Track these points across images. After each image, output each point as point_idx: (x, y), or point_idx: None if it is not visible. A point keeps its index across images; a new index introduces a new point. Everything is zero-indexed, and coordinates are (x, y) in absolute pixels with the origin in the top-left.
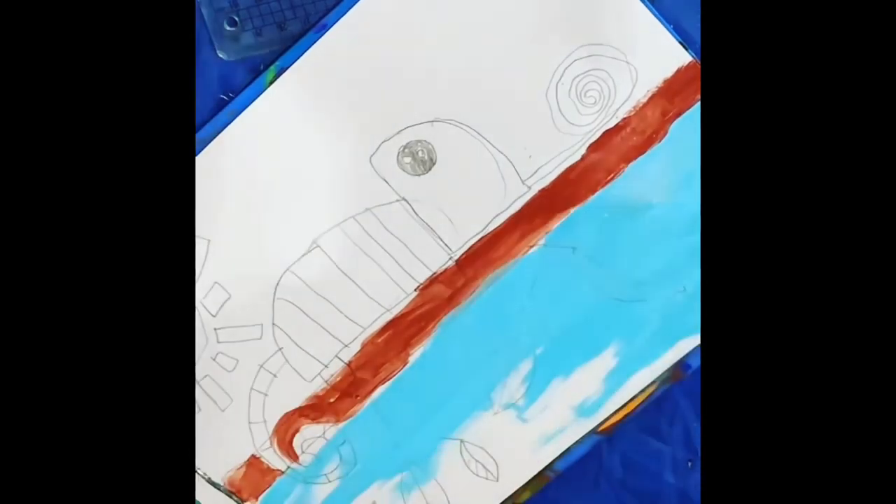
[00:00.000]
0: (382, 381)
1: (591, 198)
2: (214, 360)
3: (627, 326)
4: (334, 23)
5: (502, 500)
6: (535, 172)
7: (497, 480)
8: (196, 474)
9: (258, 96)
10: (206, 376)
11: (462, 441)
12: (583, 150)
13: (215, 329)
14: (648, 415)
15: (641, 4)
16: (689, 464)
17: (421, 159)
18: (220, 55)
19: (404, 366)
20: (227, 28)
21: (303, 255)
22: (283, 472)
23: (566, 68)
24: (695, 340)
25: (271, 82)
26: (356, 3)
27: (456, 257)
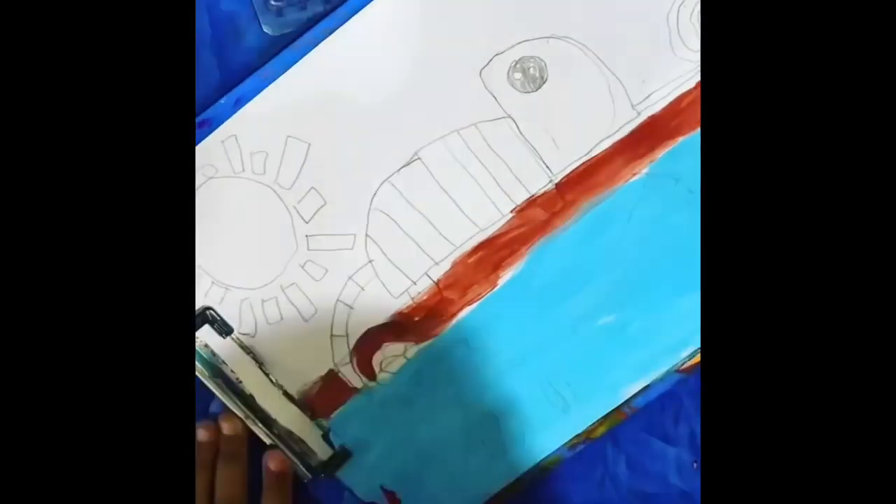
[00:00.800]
0: (469, 303)
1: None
2: (303, 267)
3: None
4: None
5: (576, 433)
6: (646, 98)
7: (570, 413)
8: (272, 386)
9: None
10: (292, 284)
11: (542, 371)
12: (698, 78)
13: (307, 236)
14: (653, 415)
15: None
16: (695, 465)
17: (532, 76)
18: (265, 30)
19: (492, 288)
20: (273, 2)
21: (403, 167)
22: (358, 391)
23: None
24: None
25: None
26: None
27: (556, 180)
